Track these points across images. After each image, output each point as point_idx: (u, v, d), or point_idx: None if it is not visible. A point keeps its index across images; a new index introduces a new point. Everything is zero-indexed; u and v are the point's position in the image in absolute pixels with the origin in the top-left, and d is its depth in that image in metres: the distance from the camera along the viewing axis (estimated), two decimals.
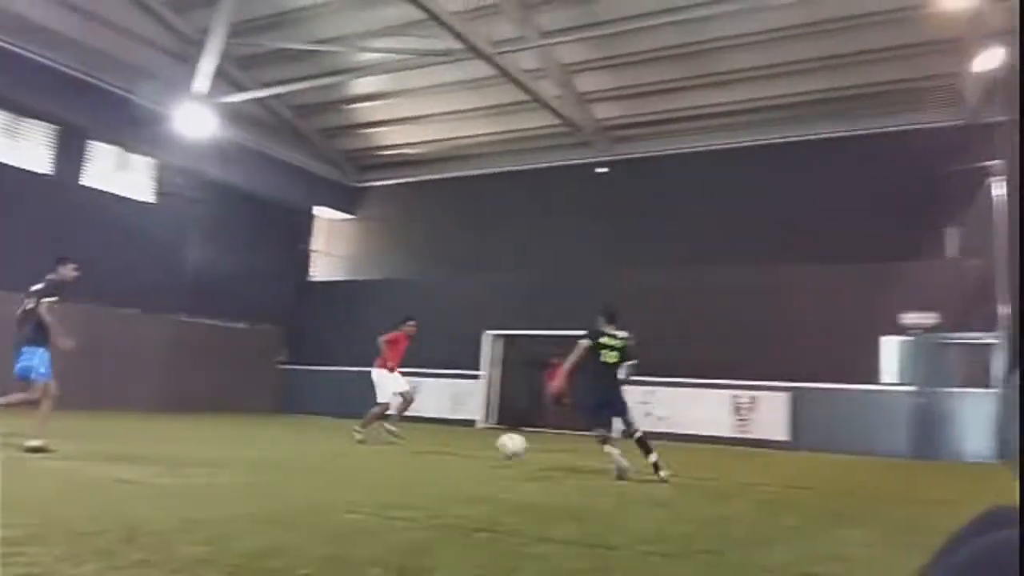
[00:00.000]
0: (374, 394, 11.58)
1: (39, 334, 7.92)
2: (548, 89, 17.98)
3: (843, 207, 16.44)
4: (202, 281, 19.48)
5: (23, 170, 16.56)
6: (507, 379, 18.97)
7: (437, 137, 21.71)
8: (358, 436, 10.99)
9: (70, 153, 17.42)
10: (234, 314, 20.45)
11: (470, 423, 18.26)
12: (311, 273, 23.42)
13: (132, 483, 5.78)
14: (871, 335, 15.07)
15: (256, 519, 4.38)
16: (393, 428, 11.30)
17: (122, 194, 18.54)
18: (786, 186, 17.37)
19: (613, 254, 18.86)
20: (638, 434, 7.91)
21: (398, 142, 22.38)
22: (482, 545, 3.96)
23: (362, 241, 24.09)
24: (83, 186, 17.65)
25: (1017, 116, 11.27)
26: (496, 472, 8.07)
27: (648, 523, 4.93)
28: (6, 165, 16.29)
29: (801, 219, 16.79)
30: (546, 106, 18.11)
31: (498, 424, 18.27)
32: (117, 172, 18.59)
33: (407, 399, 11.72)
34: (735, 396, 15.96)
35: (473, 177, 21.76)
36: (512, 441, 9.46)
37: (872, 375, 15.04)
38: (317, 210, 23.71)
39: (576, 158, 20.45)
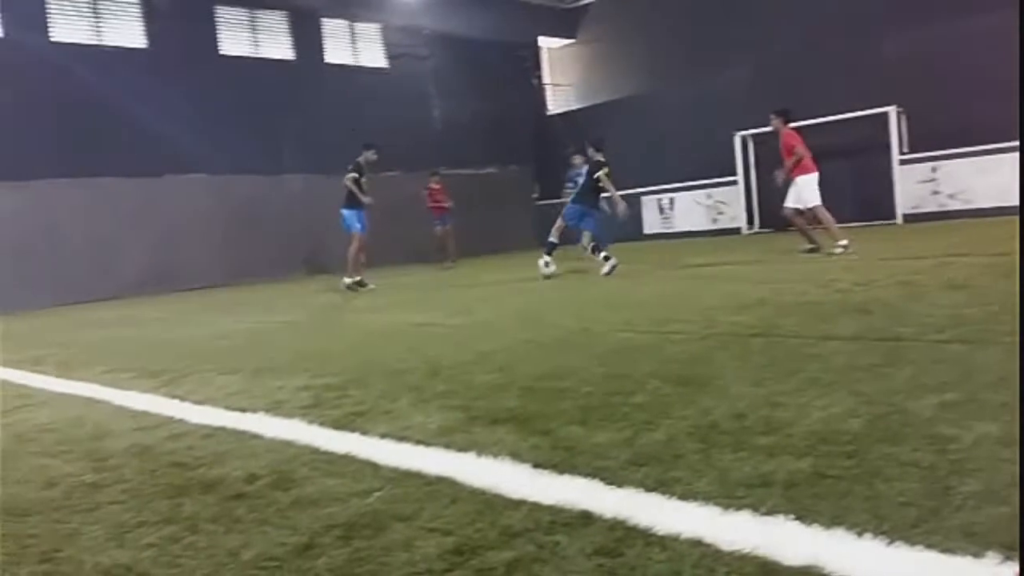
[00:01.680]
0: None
1: (351, 200, 11.05)
2: None
3: None
4: (449, 134, 20.33)
5: (272, 60, 17.97)
6: (765, 180, 17.98)
7: None
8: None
9: (307, 36, 18.53)
10: (483, 160, 21.26)
11: (734, 231, 17.75)
12: (547, 107, 23.44)
13: (429, 325, 6.41)
14: None
15: (539, 346, 4.67)
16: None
17: (360, 64, 19.54)
18: None
19: (862, 19, 16.56)
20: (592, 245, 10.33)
21: None
22: (760, 350, 3.90)
23: (588, 65, 23.48)
24: (325, 64, 18.82)
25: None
26: (767, 277, 7.85)
27: (941, 310, 4.52)
28: (255, 59, 17.76)
29: None
30: None
31: (763, 229, 17.58)
32: (350, 45, 19.53)
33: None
34: None
35: None
36: (546, 266, 10.19)
37: None
38: (541, 41, 23.37)
39: None
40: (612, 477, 2.19)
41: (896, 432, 2.34)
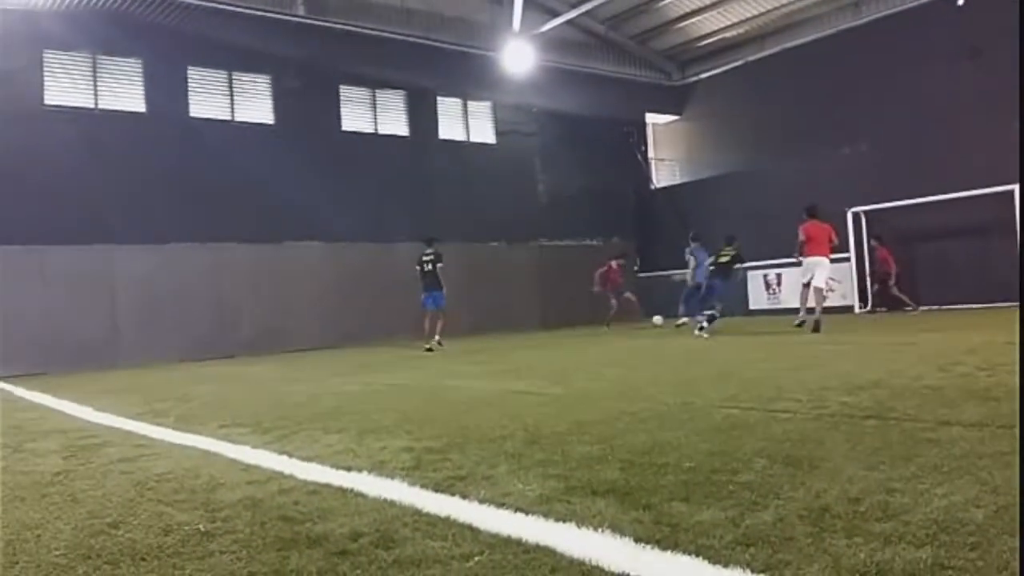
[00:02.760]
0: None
1: (437, 282, 13.26)
2: None
3: None
4: (552, 206, 20.70)
5: (389, 136, 18.88)
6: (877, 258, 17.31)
7: (757, 11, 20.24)
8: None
9: (422, 113, 19.40)
10: (586, 232, 21.46)
11: (846, 309, 17.04)
12: (651, 181, 23.53)
13: (527, 393, 6.43)
14: None
15: (638, 418, 4.61)
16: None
17: (470, 140, 20.26)
18: None
19: (987, 97, 15.99)
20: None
21: (717, 27, 21.29)
22: (873, 432, 3.73)
23: (694, 140, 23.55)
24: (440, 140, 19.61)
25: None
26: (883, 358, 7.53)
27: None
28: (376, 135, 18.70)
29: None
30: None
31: (877, 308, 16.86)
32: (462, 121, 20.31)
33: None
34: None
35: (804, 45, 19.95)
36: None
37: None
38: (647, 117, 23.66)
39: None
40: (717, 557, 2.13)
41: None
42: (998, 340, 8.08)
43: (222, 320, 16.05)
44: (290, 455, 4.14)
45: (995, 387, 4.84)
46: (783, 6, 19.76)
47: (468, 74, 19.29)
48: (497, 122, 20.73)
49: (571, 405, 5.55)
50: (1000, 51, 16.01)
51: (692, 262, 15.67)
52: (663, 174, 24.02)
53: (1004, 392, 4.62)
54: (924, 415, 4.08)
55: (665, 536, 2.35)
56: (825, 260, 12.25)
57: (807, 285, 12.43)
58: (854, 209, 17.17)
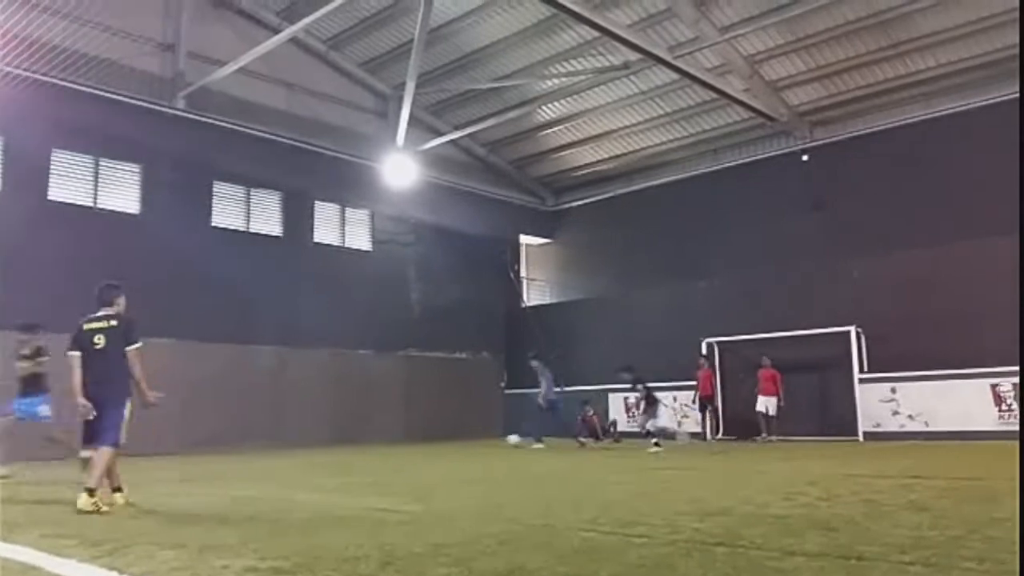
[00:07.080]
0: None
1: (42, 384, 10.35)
2: (735, 83, 17.45)
3: None
4: (424, 317, 20.72)
5: (261, 235, 18.54)
6: (731, 388, 18.19)
7: (627, 150, 21.70)
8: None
9: (298, 215, 19.24)
10: (455, 345, 21.51)
11: (698, 436, 17.61)
12: (523, 299, 24.09)
13: (385, 511, 6.20)
14: None
15: (498, 540, 4.53)
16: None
17: (346, 245, 20.19)
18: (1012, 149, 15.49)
19: (829, 244, 17.72)
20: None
21: (589, 160, 22.61)
22: (723, 560, 3.83)
23: (564, 263, 24.47)
24: (314, 243, 19.42)
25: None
26: (733, 485, 7.81)
27: (905, 530, 4.53)
28: (247, 232, 18.32)
29: None
30: (735, 101, 17.55)
31: (727, 436, 17.60)
32: (339, 226, 20.28)
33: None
34: (996, 385, 14.29)
35: (668, 184, 21.47)
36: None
37: None
38: (521, 238, 24.47)
39: (774, 149, 19.60)
40: None
41: None
42: (837, 472, 8.59)
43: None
44: (120, 572, 3.79)
45: (834, 518, 5.11)
46: (650, 147, 21.30)
47: (348, 181, 19.42)
48: (375, 230, 20.83)
49: (430, 524, 5.41)
50: (840, 203, 17.88)
51: (543, 381, 16.47)
52: (534, 293, 24.68)
53: (842, 522, 4.88)
54: (770, 544, 4.24)
55: None
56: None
57: None
58: (708, 340, 18.15)
